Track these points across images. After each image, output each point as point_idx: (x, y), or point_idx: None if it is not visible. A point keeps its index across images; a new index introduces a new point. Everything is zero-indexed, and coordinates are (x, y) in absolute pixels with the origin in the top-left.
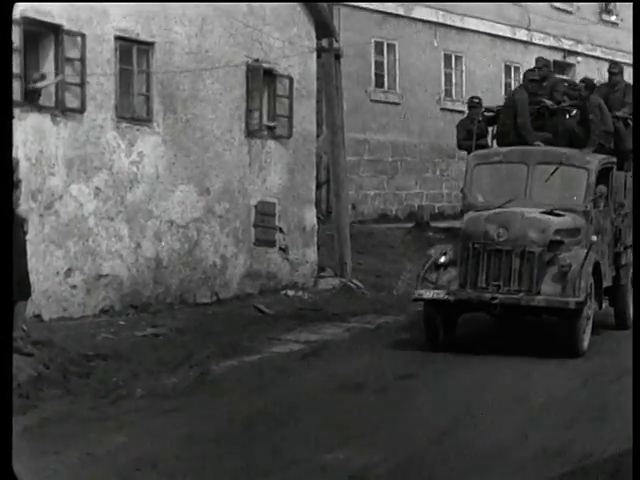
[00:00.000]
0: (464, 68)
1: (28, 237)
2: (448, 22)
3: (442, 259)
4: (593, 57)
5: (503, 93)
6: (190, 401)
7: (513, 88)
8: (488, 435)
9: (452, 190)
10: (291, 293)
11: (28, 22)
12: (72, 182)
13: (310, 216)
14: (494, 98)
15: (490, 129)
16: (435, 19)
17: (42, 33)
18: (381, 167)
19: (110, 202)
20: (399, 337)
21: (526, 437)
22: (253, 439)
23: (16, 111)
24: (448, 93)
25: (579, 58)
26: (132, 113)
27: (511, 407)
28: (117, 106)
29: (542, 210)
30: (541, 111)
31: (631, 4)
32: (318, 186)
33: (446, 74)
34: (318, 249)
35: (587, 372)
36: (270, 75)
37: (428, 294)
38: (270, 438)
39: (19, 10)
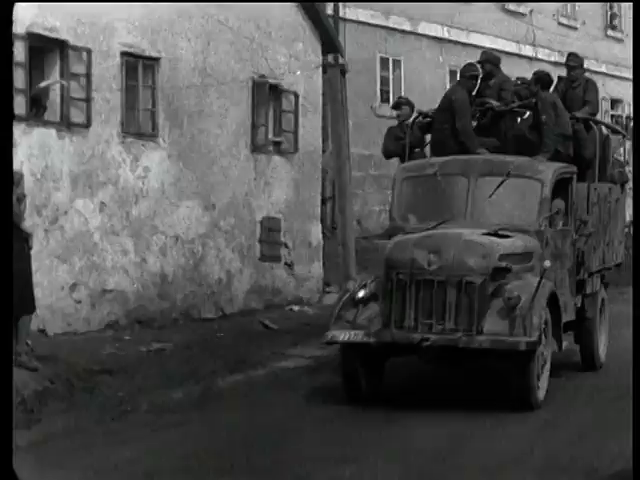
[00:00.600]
0: None
1: (33, 252)
2: (453, 38)
3: (361, 293)
4: (598, 73)
5: None
6: (195, 416)
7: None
8: None
9: None
10: (296, 308)
11: (33, 38)
12: (77, 197)
13: (315, 231)
14: None
15: (427, 137)
16: (440, 35)
17: (47, 48)
18: (386, 182)
19: (115, 217)
20: None
21: None
22: (258, 454)
23: (21, 126)
24: None
25: (584, 74)
26: (138, 128)
27: None
28: (123, 121)
29: (485, 231)
30: (486, 114)
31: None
32: (323, 201)
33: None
34: (323, 264)
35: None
36: (276, 90)
37: (343, 336)
38: (275, 453)
39: (24, 26)
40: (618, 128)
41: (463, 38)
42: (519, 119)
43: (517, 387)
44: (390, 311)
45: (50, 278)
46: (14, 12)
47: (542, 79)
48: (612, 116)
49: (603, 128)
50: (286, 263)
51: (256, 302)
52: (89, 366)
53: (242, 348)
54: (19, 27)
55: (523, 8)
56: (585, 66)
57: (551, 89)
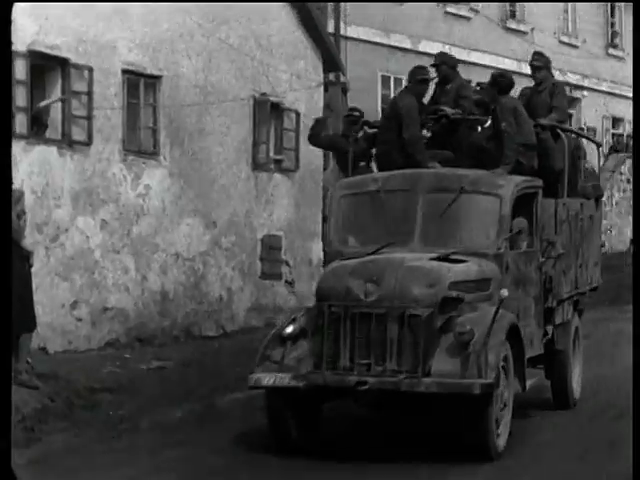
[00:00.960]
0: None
1: (33, 270)
2: (455, 56)
3: (289, 329)
4: (599, 91)
5: None
6: (196, 434)
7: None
8: None
9: None
10: None
11: (34, 56)
12: (78, 215)
13: (316, 249)
14: None
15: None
16: None
17: (49, 66)
18: None
19: (116, 235)
20: None
21: None
22: (259, 472)
23: (22, 143)
24: None
25: (585, 92)
26: (139, 146)
27: None
28: (124, 139)
29: (433, 256)
30: (440, 123)
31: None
32: (324, 219)
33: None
34: None
35: None
36: (277, 109)
37: (268, 380)
38: (276, 471)
39: (25, 44)
40: (591, 137)
41: (464, 56)
42: (479, 128)
43: (472, 435)
44: (322, 350)
45: (51, 296)
46: (14, 30)
47: (500, 82)
48: (613, 135)
49: (584, 140)
50: (287, 281)
51: (257, 320)
52: (89, 384)
53: (243, 366)
54: (20, 45)
55: (524, 26)
56: (586, 84)
57: (513, 93)
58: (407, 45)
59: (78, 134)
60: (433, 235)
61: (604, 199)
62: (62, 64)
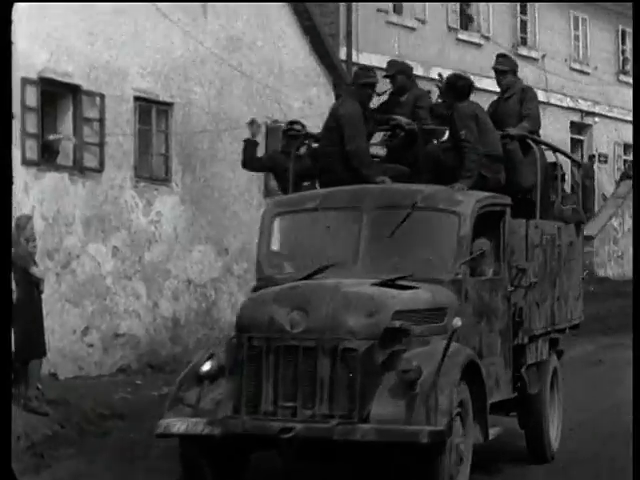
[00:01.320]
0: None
1: (44, 296)
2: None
3: (206, 366)
4: (611, 118)
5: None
6: None
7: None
8: None
9: None
10: None
11: (46, 82)
12: (90, 241)
13: None
14: None
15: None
16: None
17: (60, 93)
18: None
19: (128, 261)
20: None
21: None
22: None
23: (33, 170)
24: None
25: (597, 119)
26: (151, 173)
27: None
28: (136, 166)
29: (377, 281)
30: (397, 136)
31: None
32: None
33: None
34: None
35: None
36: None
37: (179, 426)
38: None
39: (36, 71)
40: (569, 153)
41: (475, 83)
42: (436, 141)
43: None
44: (241, 391)
45: (61, 322)
46: (24, 57)
47: (457, 85)
48: (625, 161)
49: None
50: None
51: None
52: (100, 410)
53: None
54: (31, 72)
55: (535, 53)
56: (597, 111)
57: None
58: (419, 72)
59: (90, 161)
60: (380, 258)
61: (616, 225)
62: (74, 91)
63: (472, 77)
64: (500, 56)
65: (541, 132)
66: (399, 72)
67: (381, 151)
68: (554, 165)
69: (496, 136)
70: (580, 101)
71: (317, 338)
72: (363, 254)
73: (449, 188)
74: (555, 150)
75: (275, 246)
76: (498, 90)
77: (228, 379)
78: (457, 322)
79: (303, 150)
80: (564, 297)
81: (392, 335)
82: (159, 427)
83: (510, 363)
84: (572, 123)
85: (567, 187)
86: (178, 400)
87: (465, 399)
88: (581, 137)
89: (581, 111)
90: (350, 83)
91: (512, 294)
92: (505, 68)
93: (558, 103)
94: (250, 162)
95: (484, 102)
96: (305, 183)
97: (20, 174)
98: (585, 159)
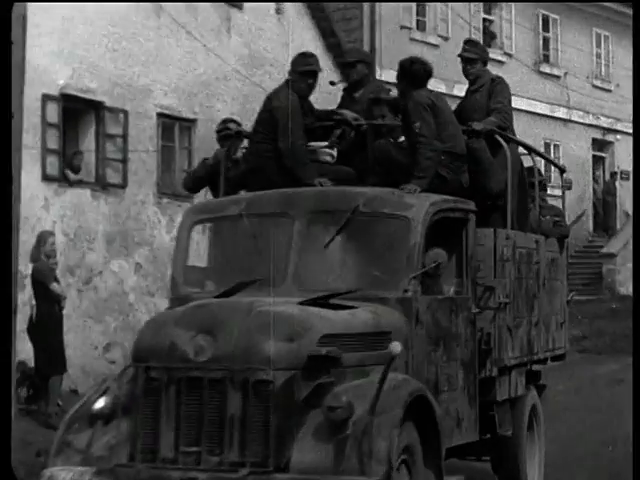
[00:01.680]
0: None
1: (65, 311)
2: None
3: (99, 404)
4: (632, 135)
5: (543, 171)
6: None
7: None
8: None
9: None
10: None
11: (67, 99)
12: (112, 257)
13: None
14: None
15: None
16: None
17: (82, 110)
18: None
19: (150, 277)
20: None
21: None
22: None
23: (53, 186)
24: None
25: (618, 136)
26: (173, 189)
27: None
28: (159, 182)
29: (305, 299)
30: (345, 135)
31: None
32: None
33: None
34: None
35: None
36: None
37: (65, 476)
38: None
39: (57, 88)
40: (548, 156)
41: None
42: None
43: None
44: (138, 433)
45: (83, 338)
46: (45, 73)
47: (411, 70)
48: None
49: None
50: None
51: None
52: None
53: None
54: (52, 89)
55: (557, 70)
56: (619, 128)
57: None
58: (442, 89)
59: (113, 177)
60: (313, 273)
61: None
62: (96, 107)
63: None
64: (467, 42)
65: (562, 148)
66: (360, 61)
67: (328, 157)
68: (531, 170)
69: (459, 131)
70: (602, 118)
71: (225, 368)
72: (293, 268)
73: (397, 190)
74: (531, 151)
75: (203, 260)
76: (522, 108)
77: (123, 419)
78: (396, 347)
79: (240, 153)
80: (545, 322)
81: (318, 364)
82: (42, 478)
83: (476, 399)
84: (594, 140)
85: (564, 200)
86: (66, 444)
87: (412, 443)
88: (603, 154)
89: (603, 128)
90: (289, 71)
91: (478, 317)
92: (473, 56)
93: (580, 120)
94: (189, 182)
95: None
96: (242, 192)
97: (41, 190)
98: (607, 176)
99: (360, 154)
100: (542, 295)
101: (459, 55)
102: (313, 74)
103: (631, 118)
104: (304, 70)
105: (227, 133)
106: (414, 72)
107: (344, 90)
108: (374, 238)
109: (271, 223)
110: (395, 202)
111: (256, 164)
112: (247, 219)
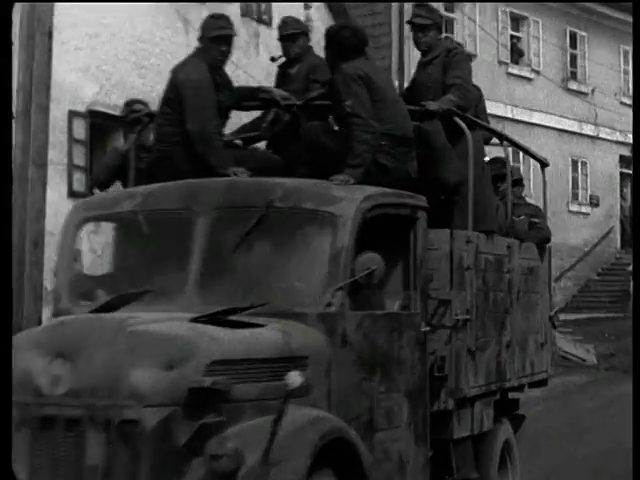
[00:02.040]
0: (531, 162)
1: None
2: (517, 117)
3: None
4: (633, 135)
5: (571, 188)
6: None
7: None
8: None
9: None
10: None
11: (94, 115)
12: None
13: None
14: (560, 193)
15: None
16: (503, 114)
17: (109, 126)
18: None
19: None
20: None
21: None
22: None
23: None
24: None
25: None
26: None
27: None
28: None
29: (199, 314)
30: (278, 117)
31: None
32: None
33: (512, 168)
34: None
35: None
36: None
37: None
38: None
39: (85, 104)
40: (524, 146)
41: (526, 117)
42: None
43: None
44: None
45: None
46: (72, 90)
47: (339, 37)
48: None
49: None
50: None
51: None
52: None
53: None
54: (79, 105)
55: (585, 87)
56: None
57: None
58: None
59: None
60: (219, 281)
61: None
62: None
63: (523, 111)
64: (419, 6)
65: (589, 165)
66: (302, 33)
67: (259, 143)
68: (503, 162)
69: (404, 110)
70: (629, 135)
71: (85, 404)
72: (195, 276)
73: (323, 182)
74: (502, 139)
75: (76, 266)
76: (550, 125)
77: None
78: (294, 379)
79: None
80: (519, 343)
81: (202, 399)
82: None
83: (426, 438)
84: (621, 157)
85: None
86: None
87: None
88: (630, 171)
89: (630, 145)
90: (198, 37)
91: (429, 337)
92: (426, 22)
93: (608, 137)
94: (97, 181)
95: (534, 137)
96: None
97: (66, 206)
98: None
99: (294, 140)
100: (516, 310)
101: (408, 22)
102: (227, 39)
103: None
104: (216, 35)
105: (135, 117)
106: (342, 40)
107: (279, 67)
108: (292, 239)
109: (170, 221)
110: (319, 195)
111: (162, 151)
112: (142, 216)
